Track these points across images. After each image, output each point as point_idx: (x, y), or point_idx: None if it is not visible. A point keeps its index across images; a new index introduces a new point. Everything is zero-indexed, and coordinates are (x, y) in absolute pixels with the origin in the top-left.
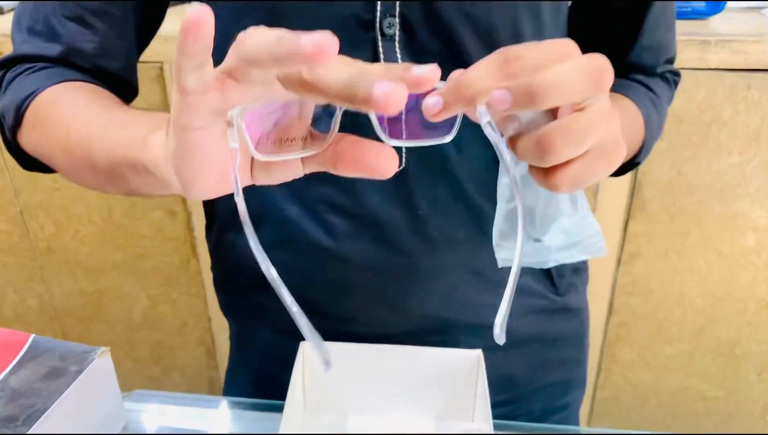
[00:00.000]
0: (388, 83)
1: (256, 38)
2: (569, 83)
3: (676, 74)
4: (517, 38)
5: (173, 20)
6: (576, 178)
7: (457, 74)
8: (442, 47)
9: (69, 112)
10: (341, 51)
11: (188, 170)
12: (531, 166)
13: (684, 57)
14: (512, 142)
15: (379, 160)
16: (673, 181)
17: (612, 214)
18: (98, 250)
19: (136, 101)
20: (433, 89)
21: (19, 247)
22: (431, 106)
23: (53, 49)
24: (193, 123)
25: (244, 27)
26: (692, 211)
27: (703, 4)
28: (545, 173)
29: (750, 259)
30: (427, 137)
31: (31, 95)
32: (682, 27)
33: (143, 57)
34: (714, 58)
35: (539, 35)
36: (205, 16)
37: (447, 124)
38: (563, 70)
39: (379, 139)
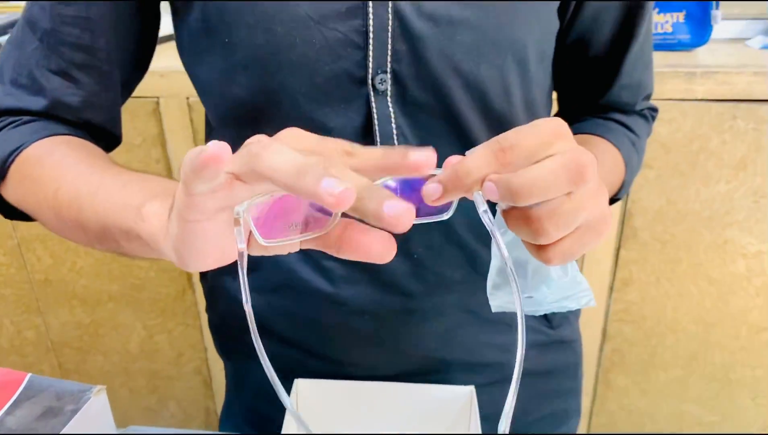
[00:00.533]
0: (398, 205)
1: (274, 161)
2: (550, 182)
3: (654, 110)
4: (505, 90)
5: (169, 55)
6: (567, 253)
7: (454, 161)
8: (433, 100)
9: (57, 170)
10: (335, 106)
11: (189, 252)
12: (534, 248)
13: (670, 88)
14: (505, 215)
15: (381, 248)
16: (662, 209)
17: (603, 242)
18: (95, 282)
19: (133, 136)
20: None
21: (16, 279)
22: (431, 192)
23: (38, 103)
24: (198, 217)
25: (239, 83)
26: (682, 238)
27: (687, 36)
28: (537, 248)
29: (741, 284)
30: (426, 215)
31: (17, 150)
32: (667, 58)
33: (139, 92)
34: (700, 89)
35: (525, 87)
36: (225, 153)
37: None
38: (545, 169)
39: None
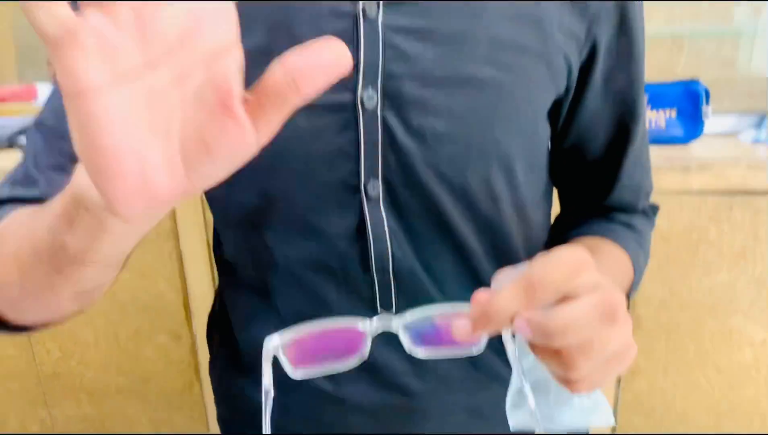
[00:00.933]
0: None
1: None
2: (584, 323)
3: (655, 207)
4: (491, 196)
5: None
6: (593, 383)
7: (483, 298)
8: (423, 206)
9: (20, 222)
10: (332, 211)
11: (93, 159)
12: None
13: (667, 181)
14: (534, 347)
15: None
16: (666, 298)
17: None
18: (103, 374)
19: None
20: None
21: (24, 372)
22: (461, 329)
23: (32, 193)
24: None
25: (241, 189)
26: (687, 327)
27: (680, 131)
28: (565, 378)
29: (749, 373)
30: (456, 347)
31: None
32: (663, 152)
33: None
34: (696, 182)
35: (514, 193)
36: None
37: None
38: (578, 310)
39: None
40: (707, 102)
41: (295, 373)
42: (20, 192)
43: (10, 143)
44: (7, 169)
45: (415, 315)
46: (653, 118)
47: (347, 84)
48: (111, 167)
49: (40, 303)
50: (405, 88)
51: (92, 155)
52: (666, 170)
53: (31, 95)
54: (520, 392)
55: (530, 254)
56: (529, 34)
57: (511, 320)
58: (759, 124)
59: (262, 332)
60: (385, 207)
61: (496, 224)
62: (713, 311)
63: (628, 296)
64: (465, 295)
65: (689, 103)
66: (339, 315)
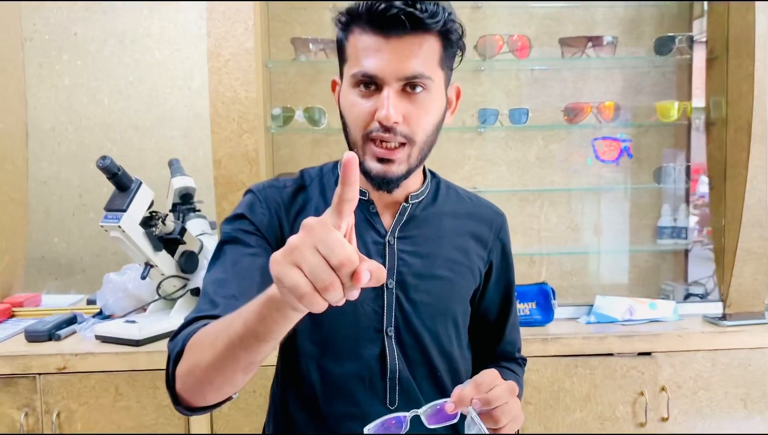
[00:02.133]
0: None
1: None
2: (503, 395)
3: (525, 360)
4: (448, 338)
5: None
6: (510, 429)
7: (458, 391)
8: (414, 341)
9: (215, 325)
10: (365, 343)
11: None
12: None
13: (534, 349)
14: (481, 416)
15: None
16: (542, 432)
17: None
18: None
19: (162, 397)
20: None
21: None
22: (450, 407)
23: (212, 311)
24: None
25: (314, 330)
26: None
27: (539, 316)
28: (498, 429)
29: None
30: (445, 421)
31: (192, 333)
32: (530, 331)
33: None
34: (552, 349)
35: (458, 338)
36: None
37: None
38: (500, 390)
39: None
40: (554, 297)
41: None
42: (207, 313)
43: (50, 336)
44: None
45: (428, 406)
46: (521, 308)
47: None
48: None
49: (224, 378)
50: (407, 279)
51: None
52: (532, 342)
53: (37, 302)
54: None
55: (464, 372)
56: (463, 257)
57: (471, 400)
58: (589, 312)
59: (311, 428)
60: (395, 342)
61: (452, 356)
62: None
63: None
64: (433, 395)
65: (543, 298)
66: (364, 409)
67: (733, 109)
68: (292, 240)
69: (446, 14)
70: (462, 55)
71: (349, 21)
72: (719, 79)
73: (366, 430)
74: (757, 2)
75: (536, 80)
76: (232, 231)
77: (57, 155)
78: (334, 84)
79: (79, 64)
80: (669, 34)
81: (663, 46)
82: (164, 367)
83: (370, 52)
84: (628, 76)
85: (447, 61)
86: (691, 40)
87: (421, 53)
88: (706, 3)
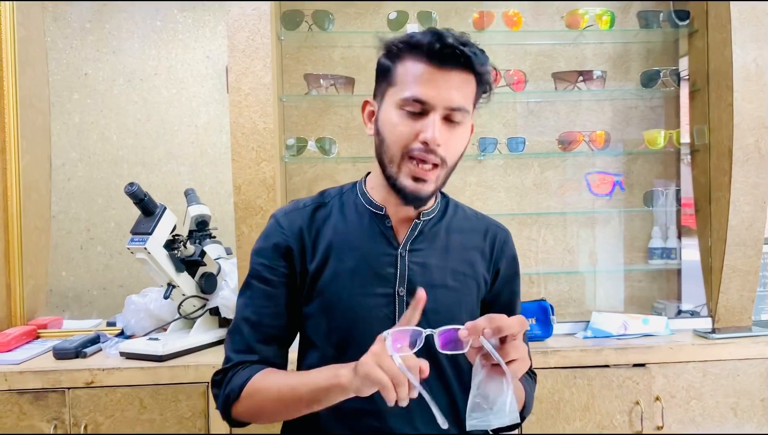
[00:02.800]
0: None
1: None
2: (513, 326)
3: (534, 374)
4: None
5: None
6: (516, 369)
7: (470, 324)
8: (423, 347)
9: (274, 382)
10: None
11: (368, 391)
12: (495, 367)
13: (535, 362)
14: (485, 362)
15: None
16: None
17: None
18: None
19: (185, 410)
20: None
21: None
22: (464, 334)
23: (252, 357)
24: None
25: (333, 330)
26: None
27: (539, 331)
28: (508, 366)
29: None
30: (454, 349)
31: (247, 380)
32: (530, 345)
33: (194, 378)
34: (552, 362)
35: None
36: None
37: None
38: (511, 320)
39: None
40: (552, 313)
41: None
42: (247, 358)
43: (77, 353)
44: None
45: (442, 329)
46: None
47: (392, 284)
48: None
49: (287, 417)
50: (416, 288)
51: (367, 389)
52: (533, 355)
53: (60, 325)
54: (474, 400)
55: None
56: (469, 268)
57: (483, 330)
58: (585, 328)
59: (331, 424)
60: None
61: (457, 358)
62: None
63: (524, 414)
64: (442, 396)
65: (542, 314)
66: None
67: (715, 136)
68: (375, 349)
69: (487, 58)
70: (489, 97)
71: (403, 49)
72: (701, 110)
73: (385, 332)
74: (733, 38)
75: (531, 112)
76: (259, 267)
77: (66, 190)
78: (365, 104)
79: (89, 103)
80: (654, 68)
81: (649, 79)
82: (186, 380)
83: (422, 80)
84: (618, 108)
85: (476, 100)
86: (676, 75)
87: (465, 88)
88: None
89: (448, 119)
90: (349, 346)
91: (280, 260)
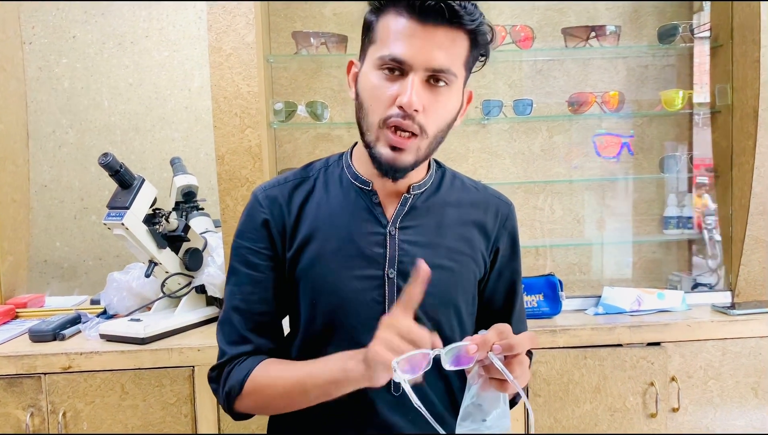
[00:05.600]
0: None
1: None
2: (524, 344)
3: (531, 353)
4: (450, 327)
5: (205, 336)
6: (522, 381)
7: (480, 335)
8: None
9: (278, 374)
10: (367, 334)
11: (378, 381)
12: (493, 380)
13: (542, 341)
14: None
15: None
16: (552, 424)
17: None
18: None
19: (169, 396)
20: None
21: None
22: (472, 349)
23: (247, 348)
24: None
25: (318, 316)
26: None
27: (547, 308)
28: (501, 384)
29: None
30: (464, 364)
31: (247, 375)
32: (538, 323)
33: (179, 362)
34: (561, 341)
35: (461, 324)
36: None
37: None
38: (522, 338)
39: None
40: (561, 289)
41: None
42: (243, 349)
43: (54, 336)
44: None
45: (450, 347)
46: (528, 301)
47: (381, 266)
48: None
49: (292, 409)
50: (408, 268)
51: (378, 379)
52: (541, 333)
53: (41, 303)
54: (467, 409)
55: None
56: (466, 246)
57: (492, 346)
58: (596, 304)
59: (319, 414)
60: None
61: (452, 343)
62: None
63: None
64: (436, 383)
65: (550, 289)
66: (371, 395)
67: (738, 96)
68: (382, 334)
69: (481, 15)
70: (485, 61)
71: (386, 2)
72: (724, 67)
73: (394, 361)
74: None
75: (539, 71)
76: (243, 250)
77: (58, 158)
78: (350, 65)
79: (78, 67)
80: (672, 22)
81: (666, 34)
82: (170, 365)
83: (402, 36)
84: (631, 67)
85: (470, 63)
86: (693, 29)
87: (452, 48)
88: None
89: (430, 82)
90: (335, 332)
91: (264, 241)
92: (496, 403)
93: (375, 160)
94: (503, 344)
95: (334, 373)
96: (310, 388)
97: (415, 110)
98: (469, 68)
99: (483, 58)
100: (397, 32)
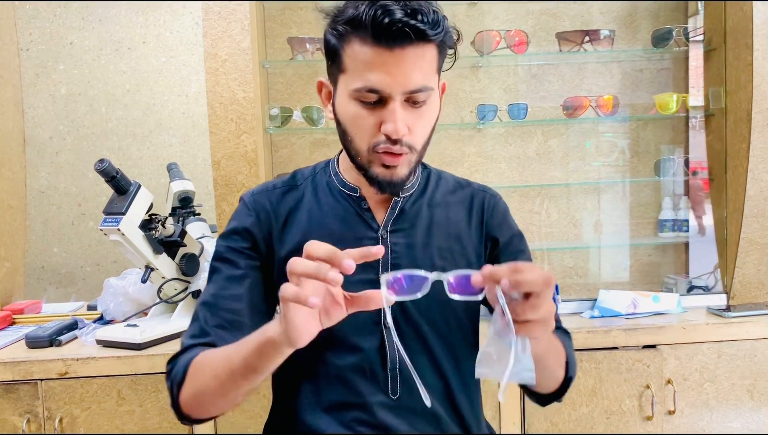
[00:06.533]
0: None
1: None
2: (536, 283)
3: (568, 332)
4: (448, 329)
5: None
6: (533, 330)
7: (489, 267)
8: (412, 333)
9: (216, 357)
10: (365, 335)
11: (291, 333)
12: (515, 322)
13: None
14: (511, 306)
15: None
16: (548, 428)
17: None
18: None
19: (165, 401)
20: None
21: None
22: (477, 278)
23: (204, 340)
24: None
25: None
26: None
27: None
28: (520, 324)
29: None
30: (465, 294)
31: (190, 361)
32: None
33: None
34: None
35: (459, 331)
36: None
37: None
38: (535, 276)
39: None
40: (557, 293)
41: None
42: (199, 341)
43: (51, 342)
44: None
45: (454, 272)
46: None
47: (375, 270)
48: (298, 329)
49: (227, 400)
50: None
51: (289, 326)
52: None
53: (38, 309)
54: (487, 350)
55: (469, 357)
56: (456, 244)
57: (500, 280)
58: (592, 307)
59: (315, 418)
60: (394, 334)
61: (450, 341)
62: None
63: (569, 375)
64: (435, 383)
65: None
66: (367, 399)
67: (732, 99)
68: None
69: (443, 19)
70: (455, 56)
71: (348, 30)
72: (717, 71)
73: (383, 277)
74: None
75: (534, 76)
76: (223, 249)
77: (55, 165)
78: (320, 85)
79: (75, 73)
80: (666, 26)
81: (660, 38)
82: (165, 370)
83: (373, 66)
84: (626, 71)
85: (441, 66)
86: (687, 35)
87: (424, 64)
88: (700, 3)
89: (409, 103)
90: (332, 336)
91: (246, 243)
92: (508, 350)
93: (372, 181)
94: (512, 280)
95: (254, 338)
96: (236, 364)
97: (402, 135)
98: (440, 70)
99: (452, 53)
100: (367, 63)
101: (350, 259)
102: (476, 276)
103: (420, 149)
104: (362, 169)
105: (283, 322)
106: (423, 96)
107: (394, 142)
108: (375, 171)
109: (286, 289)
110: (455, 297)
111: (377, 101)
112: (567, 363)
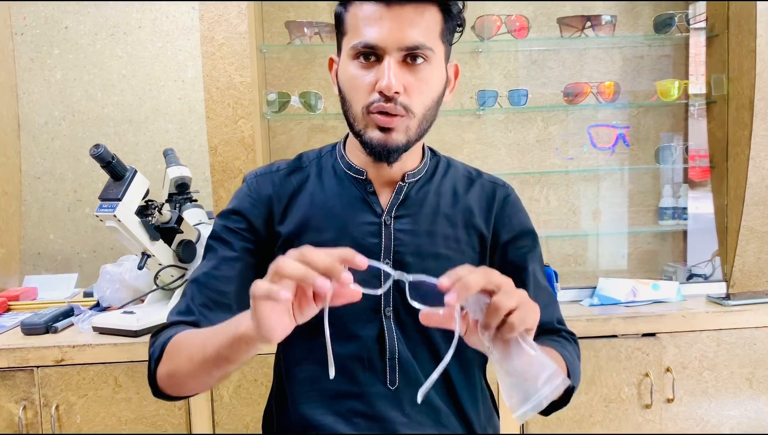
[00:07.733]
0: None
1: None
2: (474, 282)
3: (573, 335)
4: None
5: None
6: (515, 325)
7: (457, 275)
8: (413, 322)
9: (194, 339)
10: (364, 324)
11: (262, 329)
12: (486, 330)
13: None
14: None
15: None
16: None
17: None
18: None
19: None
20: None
21: None
22: (444, 282)
23: (188, 318)
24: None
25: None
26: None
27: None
28: (507, 325)
29: None
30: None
31: (169, 338)
32: None
33: None
34: None
35: None
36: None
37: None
38: (473, 276)
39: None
40: (557, 280)
41: None
42: (183, 318)
43: (47, 329)
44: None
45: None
46: None
47: (377, 256)
48: (270, 326)
49: (199, 383)
50: (404, 258)
51: (261, 324)
52: None
53: (34, 295)
54: (512, 385)
55: (470, 350)
56: (463, 234)
57: (469, 289)
58: (592, 295)
59: (312, 407)
60: (394, 323)
61: (450, 338)
62: (579, 424)
63: (572, 385)
64: (438, 382)
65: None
66: (365, 389)
67: (734, 86)
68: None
69: None
70: (462, 31)
71: None
72: (720, 57)
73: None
74: None
75: (534, 61)
76: (219, 228)
77: (51, 150)
78: (331, 62)
79: (71, 58)
80: (669, 12)
81: (662, 24)
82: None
83: (370, 21)
84: (627, 57)
85: (447, 35)
86: (689, 19)
87: (423, 23)
88: None
89: (407, 62)
90: (331, 325)
91: (244, 224)
92: (528, 359)
93: (367, 146)
94: (486, 281)
95: (228, 331)
96: (209, 352)
97: (396, 92)
98: (447, 41)
99: (460, 29)
100: (365, 19)
101: (348, 272)
102: (443, 281)
103: (419, 116)
104: (359, 135)
105: (254, 319)
106: (421, 54)
107: (388, 99)
108: (370, 135)
109: (258, 288)
110: (414, 304)
111: (373, 59)
112: (568, 372)
